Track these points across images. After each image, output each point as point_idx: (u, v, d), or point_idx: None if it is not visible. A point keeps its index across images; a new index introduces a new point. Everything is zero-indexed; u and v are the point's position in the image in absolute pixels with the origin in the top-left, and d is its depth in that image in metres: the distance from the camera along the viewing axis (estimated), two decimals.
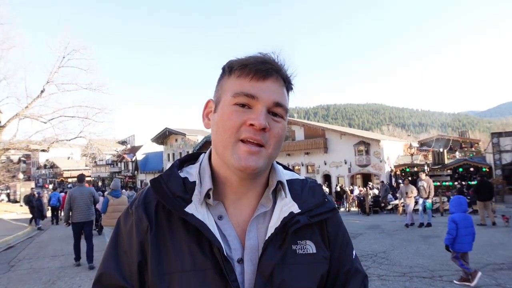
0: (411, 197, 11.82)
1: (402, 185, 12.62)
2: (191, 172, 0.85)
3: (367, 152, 28.75)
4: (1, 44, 20.87)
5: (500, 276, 5.55)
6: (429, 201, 11.47)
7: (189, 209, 0.77)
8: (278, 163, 0.93)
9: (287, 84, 0.81)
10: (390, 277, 5.70)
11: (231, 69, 0.78)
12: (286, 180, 0.87)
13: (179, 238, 0.77)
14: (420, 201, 11.65)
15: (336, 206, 0.95)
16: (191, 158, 0.93)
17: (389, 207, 18.61)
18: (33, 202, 15.23)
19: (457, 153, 28.78)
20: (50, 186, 45.18)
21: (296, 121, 35.06)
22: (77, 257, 7.50)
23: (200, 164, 0.86)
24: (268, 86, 0.75)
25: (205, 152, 0.90)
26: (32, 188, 19.54)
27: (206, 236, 0.74)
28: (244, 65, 0.75)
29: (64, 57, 22.74)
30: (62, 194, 19.14)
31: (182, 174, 0.85)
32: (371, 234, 10.39)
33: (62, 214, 16.25)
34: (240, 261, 0.76)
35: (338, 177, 30.23)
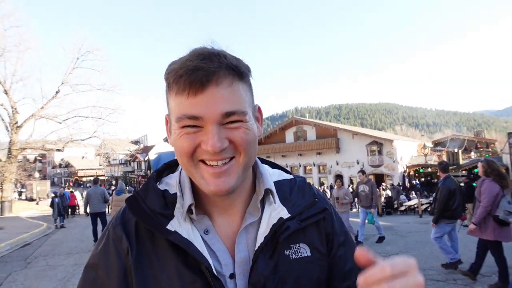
0: (342, 204, 8.94)
1: (334, 188, 9.71)
2: (170, 183, 0.78)
3: (379, 152, 28.45)
4: (17, 46, 21.45)
5: None
6: (372, 211, 8.65)
7: (172, 225, 0.70)
8: (264, 160, 0.88)
9: (238, 74, 0.67)
10: None
11: (169, 83, 0.68)
12: (274, 182, 0.81)
13: (165, 257, 0.70)
14: (361, 211, 8.98)
15: (331, 204, 0.89)
16: (169, 166, 0.85)
17: (402, 208, 18.38)
18: (53, 202, 15.59)
19: (472, 153, 28.26)
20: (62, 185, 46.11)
21: (308, 121, 34.92)
22: (96, 239, 9.29)
23: (180, 173, 0.79)
24: (210, 97, 0.63)
25: None
26: (60, 188, 20.09)
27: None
28: (178, 78, 0.64)
29: (78, 59, 23.25)
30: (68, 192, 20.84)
31: (161, 187, 0.78)
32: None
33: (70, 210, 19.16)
34: (232, 276, 0.71)
35: (350, 178, 29.98)
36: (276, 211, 0.76)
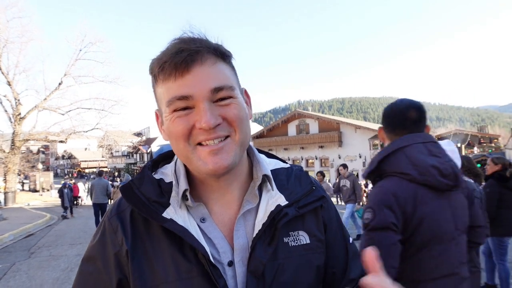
0: None
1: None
2: (166, 173, 0.78)
3: (382, 146, 28.34)
4: (20, 38, 21.39)
5: None
6: (357, 206, 8.35)
7: (168, 213, 0.70)
8: (260, 151, 0.88)
9: (221, 55, 0.69)
10: None
11: (154, 74, 0.69)
12: (271, 170, 0.81)
13: (160, 246, 0.70)
14: (348, 206, 8.53)
15: (335, 198, 0.92)
16: (165, 157, 0.85)
17: None
18: (62, 192, 15.75)
19: (475, 148, 28.15)
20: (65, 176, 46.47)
21: (311, 114, 34.80)
22: None
23: (176, 163, 0.79)
24: (196, 75, 0.65)
25: None
26: (65, 178, 20.27)
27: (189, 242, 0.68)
28: (162, 65, 0.66)
29: (80, 50, 23.19)
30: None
31: (156, 176, 0.78)
32: None
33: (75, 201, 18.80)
34: (231, 263, 0.71)
35: (352, 171, 29.96)
36: (274, 199, 0.76)
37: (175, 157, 0.80)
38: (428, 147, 1.47)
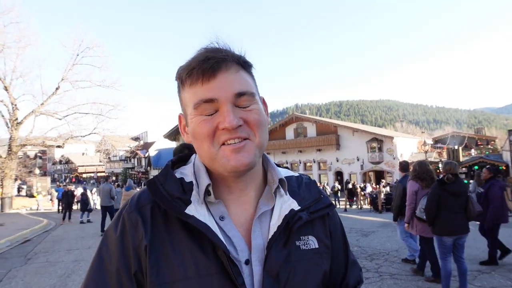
0: None
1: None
2: (185, 173, 0.82)
3: (380, 149, 28.45)
4: (17, 43, 21.38)
5: None
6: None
7: (189, 210, 0.72)
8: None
9: (243, 64, 0.76)
10: (403, 276, 5.62)
11: (181, 80, 0.75)
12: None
13: (180, 242, 0.72)
14: None
15: (333, 201, 0.96)
16: (181, 160, 0.89)
17: None
18: (67, 198, 15.58)
19: (472, 150, 28.26)
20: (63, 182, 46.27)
21: (308, 118, 34.89)
22: (103, 231, 10.69)
23: (194, 164, 0.83)
24: (221, 81, 0.71)
25: (196, 153, 0.84)
26: (64, 185, 20.05)
27: (208, 239, 0.69)
28: (190, 71, 0.72)
29: (78, 55, 23.20)
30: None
31: (177, 175, 0.81)
32: (383, 232, 10.27)
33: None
34: (248, 262, 0.73)
35: (350, 174, 30.00)
36: (287, 203, 0.80)
37: (192, 159, 0.85)
38: None
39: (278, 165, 0.93)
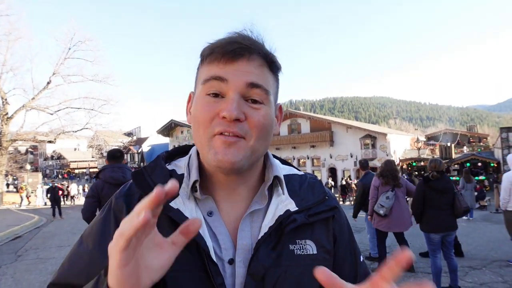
0: None
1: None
2: (179, 165, 0.79)
3: (373, 145, 28.61)
4: (7, 36, 21.05)
5: (506, 273, 5.48)
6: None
7: (175, 203, 0.69)
8: (276, 157, 0.87)
9: (270, 63, 0.71)
10: None
11: (202, 56, 0.72)
12: (284, 176, 0.80)
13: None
14: None
15: (339, 203, 0.87)
16: (181, 152, 0.86)
17: None
18: (54, 195, 15.48)
19: (464, 147, 28.55)
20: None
21: (302, 114, 34.93)
22: None
23: (190, 157, 0.80)
24: (240, 66, 0.67)
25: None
26: (53, 180, 19.76)
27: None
28: (212, 49, 0.69)
29: (70, 49, 22.89)
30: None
31: (169, 167, 0.78)
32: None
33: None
34: (231, 261, 0.69)
35: (344, 171, 30.13)
36: (284, 204, 0.75)
37: (190, 152, 0.81)
38: None
39: (285, 162, 0.89)
